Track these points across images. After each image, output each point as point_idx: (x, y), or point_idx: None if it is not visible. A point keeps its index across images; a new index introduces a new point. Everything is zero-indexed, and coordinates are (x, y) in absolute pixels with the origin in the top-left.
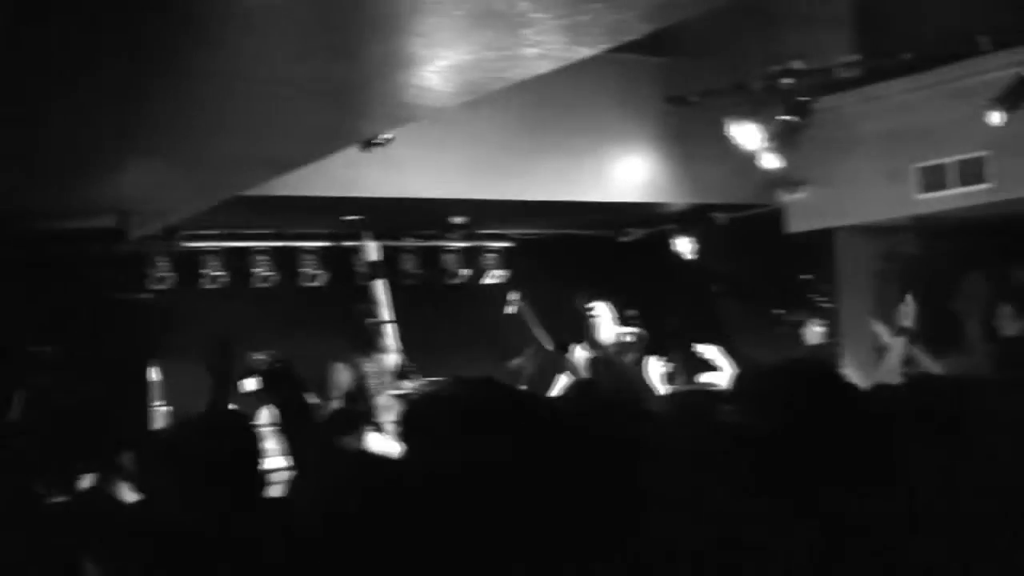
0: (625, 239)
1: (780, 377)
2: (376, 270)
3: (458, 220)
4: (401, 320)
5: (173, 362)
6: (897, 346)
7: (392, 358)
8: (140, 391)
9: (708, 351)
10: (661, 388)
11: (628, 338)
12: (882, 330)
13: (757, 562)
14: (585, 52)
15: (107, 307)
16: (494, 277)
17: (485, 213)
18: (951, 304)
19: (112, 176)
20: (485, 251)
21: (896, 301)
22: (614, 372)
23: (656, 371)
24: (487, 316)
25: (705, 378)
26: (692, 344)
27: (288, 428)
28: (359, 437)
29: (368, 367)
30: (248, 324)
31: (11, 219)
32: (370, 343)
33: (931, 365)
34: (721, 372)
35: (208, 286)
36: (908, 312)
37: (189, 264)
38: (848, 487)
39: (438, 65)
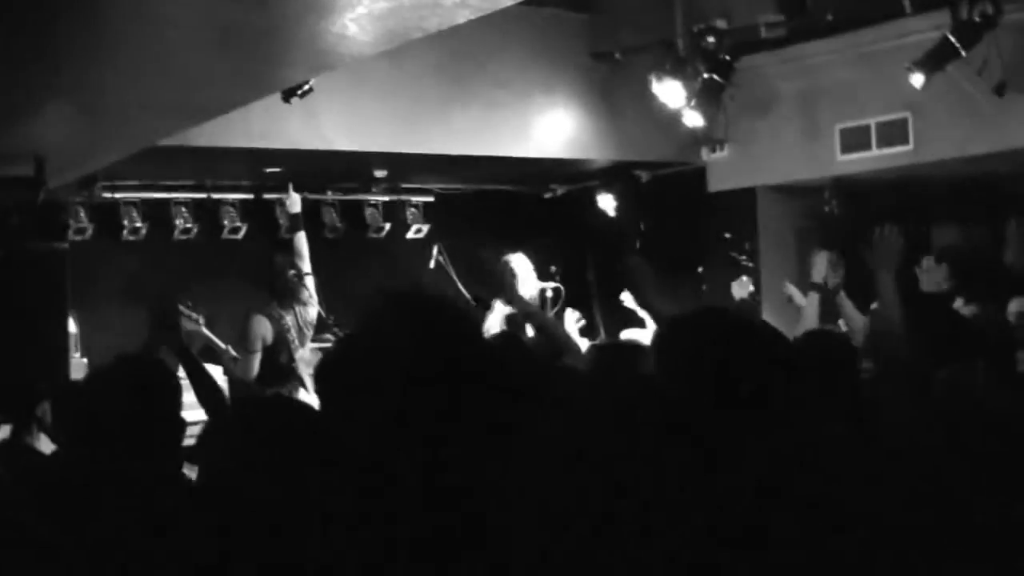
0: (548, 195)
1: (697, 327)
2: (297, 223)
3: (379, 173)
4: (322, 273)
5: (91, 313)
6: (812, 302)
7: (312, 311)
8: (57, 341)
9: (632, 304)
10: (579, 342)
11: (548, 293)
12: (793, 290)
13: (669, 517)
14: (506, 2)
15: (23, 256)
16: (416, 231)
17: (406, 166)
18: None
19: (27, 121)
20: (407, 205)
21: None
22: (535, 327)
23: (572, 324)
24: (408, 270)
25: (628, 334)
26: (617, 297)
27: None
28: (289, 391)
29: (288, 320)
30: (169, 276)
31: None
32: (291, 295)
33: (854, 319)
34: (645, 328)
35: (128, 237)
36: (820, 268)
37: (108, 215)
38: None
39: (356, 12)
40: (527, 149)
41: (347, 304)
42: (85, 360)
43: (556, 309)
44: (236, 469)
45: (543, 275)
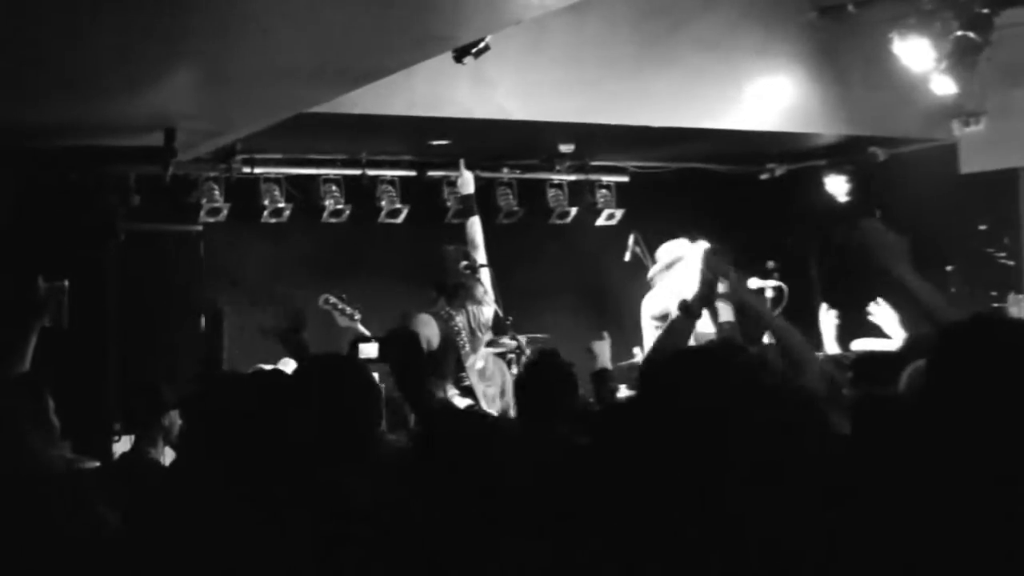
0: (765, 176)
1: (991, 343)
2: (470, 206)
3: (564, 148)
4: (497, 265)
5: (229, 308)
6: None
7: (488, 310)
8: (189, 341)
9: (880, 313)
10: (833, 346)
11: (768, 292)
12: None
13: None
14: None
15: (148, 240)
16: (607, 217)
17: (595, 140)
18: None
19: (154, 88)
20: (596, 186)
21: None
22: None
23: (830, 327)
24: (598, 264)
25: (862, 344)
26: (859, 303)
27: (409, 393)
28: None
29: (459, 320)
30: (315, 265)
31: (45, 134)
32: (463, 292)
33: None
34: (889, 339)
35: (268, 219)
36: None
37: (247, 193)
38: None
39: None
40: (738, 121)
41: (526, 302)
42: (221, 362)
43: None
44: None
45: (760, 271)
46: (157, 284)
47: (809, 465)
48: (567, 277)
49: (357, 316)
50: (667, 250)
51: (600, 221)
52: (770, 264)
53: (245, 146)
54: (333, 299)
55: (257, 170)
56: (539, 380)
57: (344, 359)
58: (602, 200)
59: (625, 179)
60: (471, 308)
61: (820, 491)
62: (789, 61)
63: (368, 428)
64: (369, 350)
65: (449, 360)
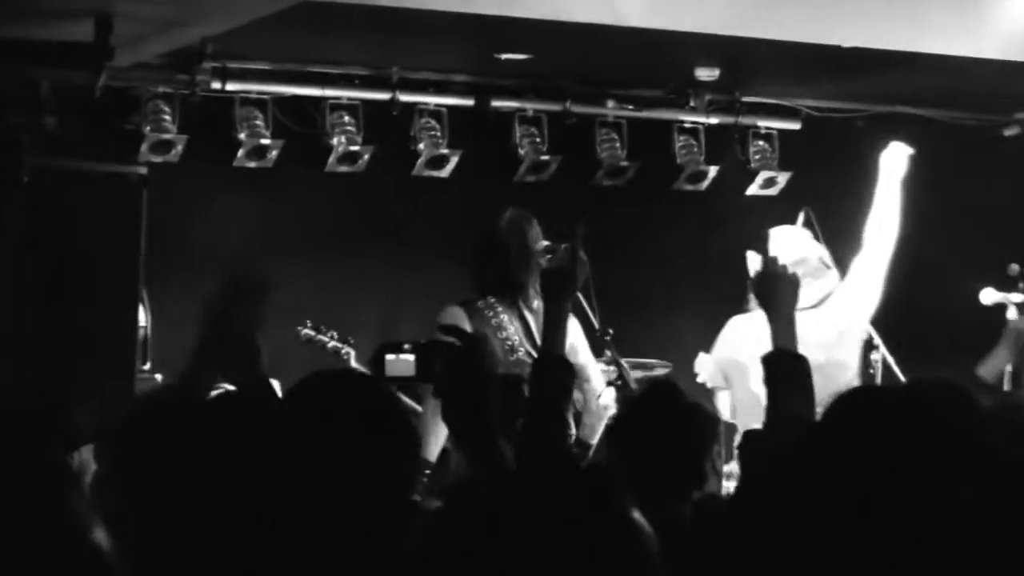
0: (1008, 132)
1: None
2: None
3: (705, 75)
4: (591, 245)
5: (172, 294)
6: None
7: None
8: (117, 340)
9: None
10: None
11: (1011, 312)
12: None
13: None
14: None
15: (66, 187)
16: (764, 183)
17: (752, 66)
18: None
19: None
20: (751, 134)
21: None
22: None
23: None
24: (746, 252)
25: None
26: None
27: (461, 425)
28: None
29: (504, 320)
30: (314, 235)
31: None
32: (522, 280)
33: None
34: None
35: (246, 163)
36: None
37: (215, 122)
38: None
39: None
40: (983, 47)
41: (634, 308)
42: (159, 377)
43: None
44: None
45: (999, 278)
46: (76, 249)
47: None
48: (699, 273)
49: (347, 352)
50: (787, 242)
51: (753, 188)
52: (1014, 268)
53: (217, 48)
54: (308, 331)
55: (231, 86)
56: (647, 430)
57: (361, 381)
58: (758, 157)
59: (795, 126)
60: (533, 304)
61: None
62: None
63: (397, 493)
64: (400, 364)
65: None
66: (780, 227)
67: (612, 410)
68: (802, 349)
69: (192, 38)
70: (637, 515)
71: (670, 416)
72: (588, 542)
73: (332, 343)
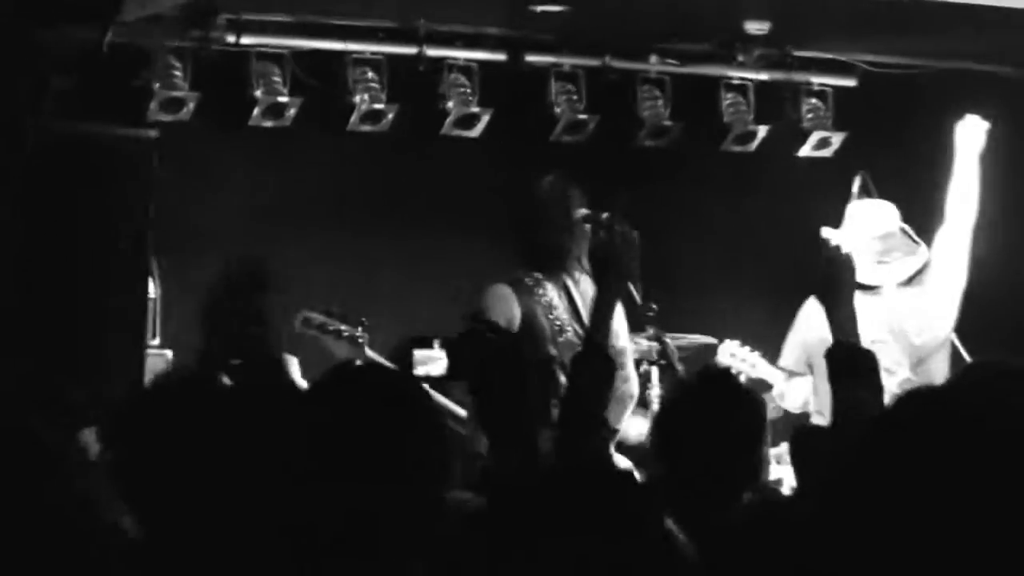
0: None
1: None
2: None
3: (754, 28)
4: (634, 218)
5: (184, 266)
6: None
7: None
8: (125, 315)
9: None
10: None
11: None
12: None
13: None
14: None
15: (71, 150)
16: (818, 144)
17: (805, 17)
18: None
19: None
20: (803, 92)
21: None
22: None
23: None
24: (799, 220)
25: None
26: None
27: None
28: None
29: (553, 297)
30: (335, 201)
31: None
32: (567, 255)
33: None
34: None
35: (262, 122)
36: None
37: (229, 78)
38: None
39: None
40: None
41: (680, 280)
42: (170, 352)
43: None
44: None
45: None
46: (83, 219)
47: None
48: (747, 242)
49: (361, 337)
50: (869, 216)
51: (806, 150)
52: None
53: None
54: (315, 316)
55: (247, 39)
56: (698, 423)
57: (389, 378)
58: (811, 116)
59: (851, 82)
60: (581, 279)
61: None
62: None
63: (427, 502)
64: (430, 361)
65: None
66: (861, 201)
67: (636, 395)
68: (898, 332)
69: None
70: (671, 526)
71: (723, 409)
72: (617, 558)
73: (345, 328)
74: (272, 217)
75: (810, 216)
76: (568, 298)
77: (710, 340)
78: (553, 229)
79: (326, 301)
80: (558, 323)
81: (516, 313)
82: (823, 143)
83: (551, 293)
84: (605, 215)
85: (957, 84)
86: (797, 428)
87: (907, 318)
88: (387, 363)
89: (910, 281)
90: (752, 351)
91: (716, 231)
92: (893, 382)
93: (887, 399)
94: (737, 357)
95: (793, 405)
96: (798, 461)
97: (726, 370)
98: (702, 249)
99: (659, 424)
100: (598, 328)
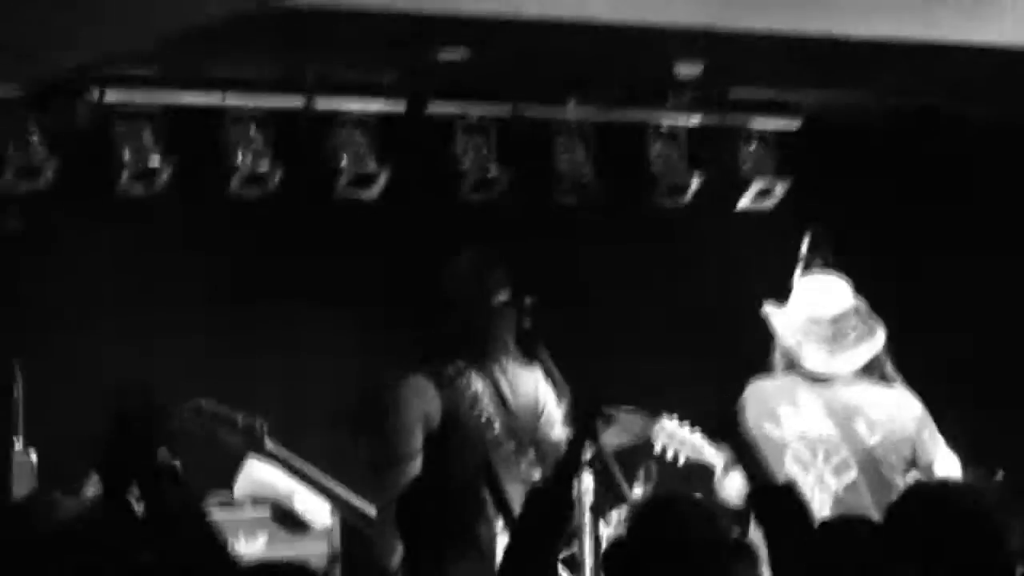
0: None
1: None
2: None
3: (686, 71)
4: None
5: (45, 359)
6: None
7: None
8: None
9: None
10: None
11: None
12: None
13: None
14: None
15: None
16: (758, 194)
17: (741, 59)
18: None
19: None
20: (741, 137)
21: None
22: None
23: None
24: (739, 282)
25: None
26: None
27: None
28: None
29: (479, 389)
30: (213, 280)
31: None
32: (498, 341)
33: None
34: None
35: (128, 188)
36: None
37: (91, 140)
38: None
39: None
40: (1012, 31)
41: (601, 346)
42: (33, 455)
43: None
44: None
45: None
46: None
47: None
48: (684, 306)
49: (260, 428)
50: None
51: (745, 201)
52: None
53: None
54: (208, 405)
55: (112, 98)
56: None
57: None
58: (749, 162)
59: (793, 126)
60: (507, 365)
61: None
62: None
63: None
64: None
65: (464, 460)
66: (809, 274)
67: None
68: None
69: (81, 60)
70: None
71: (679, 544)
72: None
73: (241, 418)
74: (141, 300)
75: (752, 275)
76: (494, 388)
77: (645, 417)
78: (474, 314)
79: (206, 389)
80: (484, 417)
81: (436, 408)
82: (764, 193)
83: (476, 384)
84: (529, 300)
85: (911, 125)
86: (754, 488)
87: (859, 412)
88: (290, 454)
89: (867, 369)
90: (692, 430)
91: (649, 294)
92: (840, 483)
93: (829, 502)
94: (675, 439)
95: (730, 496)
96: (764, 522)
97: (687, 497)
98: (634, 314)
99: (607, 560)
100: (559, 475)
